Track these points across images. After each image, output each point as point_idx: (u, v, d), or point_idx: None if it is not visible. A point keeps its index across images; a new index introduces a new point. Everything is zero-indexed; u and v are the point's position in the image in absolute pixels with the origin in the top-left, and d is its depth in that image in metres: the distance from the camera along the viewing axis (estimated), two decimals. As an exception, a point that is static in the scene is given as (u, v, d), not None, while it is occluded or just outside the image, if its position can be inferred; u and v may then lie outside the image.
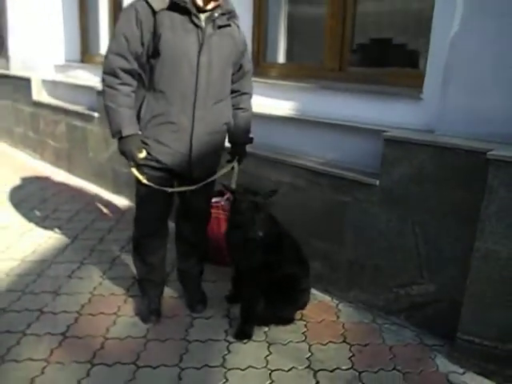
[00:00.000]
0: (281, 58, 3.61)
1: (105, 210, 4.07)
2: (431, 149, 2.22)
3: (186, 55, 2.07)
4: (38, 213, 3.91)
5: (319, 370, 2.13)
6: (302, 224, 2.80)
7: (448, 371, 2.15)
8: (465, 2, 2.18)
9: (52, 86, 5.37)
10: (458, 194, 2.17)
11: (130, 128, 2.10)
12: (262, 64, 3.53)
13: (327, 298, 2.76)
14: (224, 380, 2.04)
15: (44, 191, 4.47)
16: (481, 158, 1.98)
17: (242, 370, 2.11)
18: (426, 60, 2.47)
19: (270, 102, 3.23)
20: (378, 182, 2.44)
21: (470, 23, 2.19)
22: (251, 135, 2.51)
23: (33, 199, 4.23)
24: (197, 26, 2.06)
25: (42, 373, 2.04)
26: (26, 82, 5.43)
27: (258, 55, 3.54)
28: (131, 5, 2.06)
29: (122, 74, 2.08)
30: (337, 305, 2.69)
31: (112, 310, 2.53)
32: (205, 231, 2.59)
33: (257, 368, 2.13)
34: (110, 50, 2.09)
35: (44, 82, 5.40)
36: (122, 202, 4.26)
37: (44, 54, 5.41)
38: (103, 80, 2.11)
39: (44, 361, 2.11)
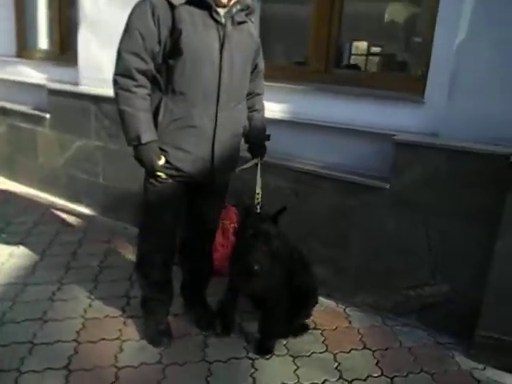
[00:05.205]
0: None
1: (66, 221, 3.70)
2: (446, 152, 2.27)
3: (209, 53, 1.91)
4: (-13, 227, 3.47)
5: (353, 380, 2.09)
6: (305, 230, 2.74)
7: (470, 368, 2.22)
8: (472, 10, 2.26)
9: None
10: (474, 197, 2.23)
11: (149, 134, 1.91)
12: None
13: (332, 303, 2.72)
14: (260, 401, 1.94)
15: (-13, 202, 3.98)
16: (503, 162, 2.06)
17: (276, 388, 2.02)
18: (426, 66, 2.50)
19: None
20: (388, 186, 2.46)
21: (475, 31, 2.27)
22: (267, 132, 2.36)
23: (-23, 212, 3.74)
24: (217, 21, 1.91)
25: (58, 417, 1.78)
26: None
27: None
28: None
29: (137, 76, 1.88)
30: (344, 309, 2.67)
31: (114, 335, 2.29)
32: (211, 243, 2.44)
33: (290, 384, 2.04)
34: (123, 49, 1.87)
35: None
36: (82, 210, 3.92)
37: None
38: (116, 82, 1.89)
39: (56, 402, 1.85)
